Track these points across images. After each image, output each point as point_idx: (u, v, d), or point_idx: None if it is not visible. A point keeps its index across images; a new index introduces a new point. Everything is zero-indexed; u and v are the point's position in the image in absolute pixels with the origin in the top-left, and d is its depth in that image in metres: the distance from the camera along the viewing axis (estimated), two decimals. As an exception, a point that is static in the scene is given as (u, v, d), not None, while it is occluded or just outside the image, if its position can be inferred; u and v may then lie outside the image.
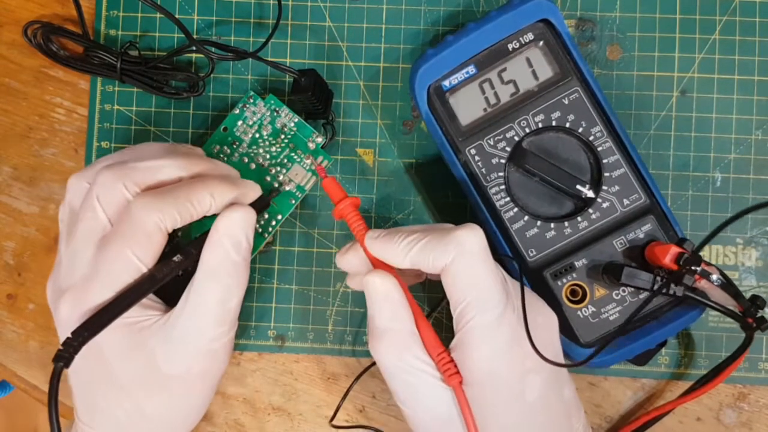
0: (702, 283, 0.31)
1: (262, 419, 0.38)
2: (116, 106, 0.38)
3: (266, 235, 0.36)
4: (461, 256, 0.28)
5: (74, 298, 0.28)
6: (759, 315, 0.32)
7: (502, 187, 0.34)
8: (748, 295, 0.32)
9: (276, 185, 0.36)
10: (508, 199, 0.34)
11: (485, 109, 0.34)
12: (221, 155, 0.36)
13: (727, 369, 0.33)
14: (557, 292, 0.33)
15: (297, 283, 0.38)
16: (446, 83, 0.34)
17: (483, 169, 0.34)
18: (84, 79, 0.39)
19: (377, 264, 0.30)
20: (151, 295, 0.31)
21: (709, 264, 0.31)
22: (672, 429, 0.37)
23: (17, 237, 0.39)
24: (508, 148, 0.34)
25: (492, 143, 0.34)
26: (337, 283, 0.37)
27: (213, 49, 0.35)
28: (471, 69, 0.34)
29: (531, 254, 0.34)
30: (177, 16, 0.38)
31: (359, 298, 0.37)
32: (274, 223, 0.36)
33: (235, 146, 0.37)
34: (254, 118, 0.37)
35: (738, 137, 0.37)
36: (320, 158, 0.36)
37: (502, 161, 0.34)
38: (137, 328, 0.30)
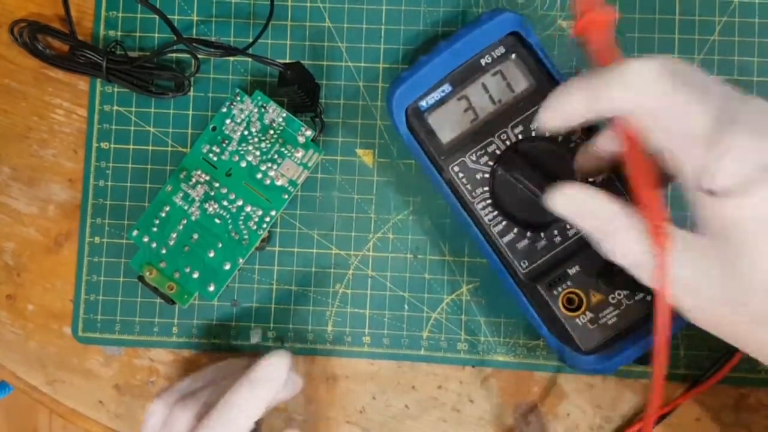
0: None
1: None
2: (116, 107, 0.38)
3: (260, 232, 0.36)
4: None
5: None
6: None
7: (489, 201, 0.34)
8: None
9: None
10: (495, 213, 0.34)
11: (464, 126, 0.34)
12: (211, 155, 0.37)
13: (724, 368, 0.33)
14: (553, 302, 0.33)
15: (296, 283, 0.38)
16: (423, 103, 0.34)
17: (468, 186, 0.34)
18: (83, 80, 0.39)
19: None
20: None
21: None
22: (672, 429, 0.37)
23: (16, 237, 0.39)
24: (490, 162, 0.34)
25: (474, 158, 0.34)
26: (337, 283, 0.37)
27: (201, 47, 0.35)
28: (446, 87, 0.34)
29: (523, 266, 0.33)
30: (176, 17, 0.38)
31: (359, 299, 0.37)
32: (268, 219, 0.36)
33: (225, 145, 0.37)
34: (242, 116, 0.37)
35: (737, 138, 0.37)
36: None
37: (486, 176, 0.34)
38: None
